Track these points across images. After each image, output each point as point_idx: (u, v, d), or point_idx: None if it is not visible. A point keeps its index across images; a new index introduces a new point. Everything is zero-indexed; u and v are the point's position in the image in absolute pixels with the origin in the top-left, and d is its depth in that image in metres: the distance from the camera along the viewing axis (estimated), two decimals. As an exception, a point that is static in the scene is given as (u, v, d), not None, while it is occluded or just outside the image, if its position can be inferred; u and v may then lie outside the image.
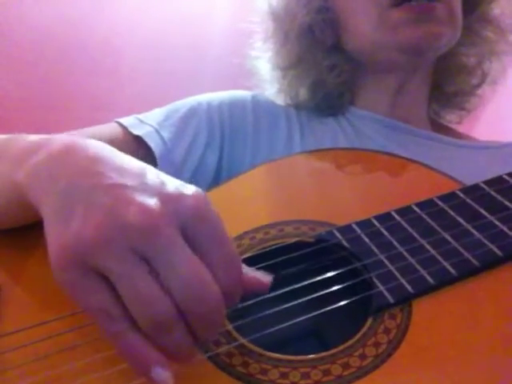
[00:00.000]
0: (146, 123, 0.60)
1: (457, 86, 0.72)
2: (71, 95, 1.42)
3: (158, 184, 0.30)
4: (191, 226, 0.29)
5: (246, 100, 0.66)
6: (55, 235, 0.29)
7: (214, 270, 0.29)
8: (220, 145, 0.62)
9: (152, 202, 0.29)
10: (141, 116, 0.62)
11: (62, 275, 0.28)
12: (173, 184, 0.31)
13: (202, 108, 0.63)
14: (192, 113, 0.63)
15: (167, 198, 0.29)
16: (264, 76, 0.74)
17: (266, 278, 0.33)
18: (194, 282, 0.28)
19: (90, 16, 1.40)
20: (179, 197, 0.30)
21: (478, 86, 0.72)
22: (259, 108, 0.65)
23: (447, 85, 0.71)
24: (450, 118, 0.76)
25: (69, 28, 1.40)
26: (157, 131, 0.59)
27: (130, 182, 0.30)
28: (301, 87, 0.68)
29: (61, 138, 0.36)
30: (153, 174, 0.32)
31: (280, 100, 0.72)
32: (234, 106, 0.65)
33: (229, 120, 0.63)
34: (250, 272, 0.33)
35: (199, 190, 0.31)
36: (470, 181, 0.45)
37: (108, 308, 0.28)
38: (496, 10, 0.66)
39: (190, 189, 0.31)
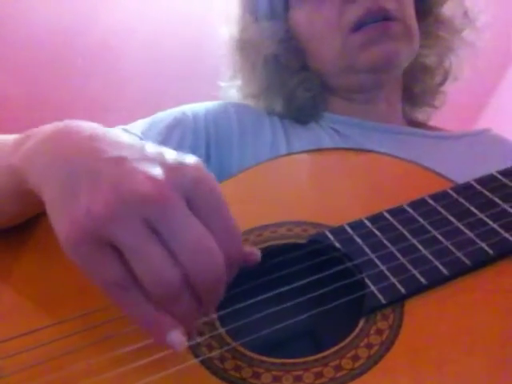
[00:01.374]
0: (131, 132, 0.61)
1: (423, 86, 0.75)
2: (70, 96, 1.42)
3: (158, 155, 0.31)
4: (194, 195, 0.30)
5: (231, 108, 0.67)
6: (63, 214, 0.30)
7: (216, 238, 0.29)
8: (206, 152, 0.62)
9: (156, 171, 0.29)
10: (126, 126, 0.63)
11: (75, 252, 0.29)
12: (172, 154, 0.31)
13: (187, 118, 0.64)
14: (176, 122, 0.63)
15: (169, 168, 0.30)
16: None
17: (255, 250, 0.35)
18: (202, 249, 0.28)
19: (89, 17, 1.40)
20: (181, 166, 0.30)
21: (442, 83, 0.76)
22: (243, 115, 0.67)
23: (414, 86, 0.75)
24: (420, 116, 0.80)
25: (68, 29, 1.40)
26: (141, 140, 0.59)
27: (130, 154, 0.30)
28: (275, 104, 0.70)
29: (52, 124, 0.37)
30: (151, 147, 0.32)
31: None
32: (219, 116, 0.65)
33: (214, 129, 0.64)
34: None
35: (199, 160, 0.31)
36: (453, 170, 0.46)
37: (121, 280, 0.28)
38: (447, 12, 0.71)
39: (190, 158, 0.31)
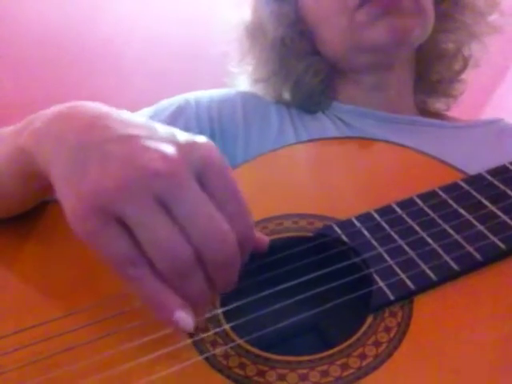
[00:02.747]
0: None
1: (440, 74, 0.71)
2: (71, 95, 1.41)
3: (170, 134, 0.30)
4: (205, 173, 0.29)
5: (236, 96, 0.66)
6: (71, 188, 0.29)
7: (227, 216, 0.29)
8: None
9: (168, 148, 0.28)
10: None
11: (82, 225, 0.28)
12: (184, 134, 0.31)
13: (191, 106, 0.63)
14: (180, 111, 0.63)
15: (181, 146, 0.29)
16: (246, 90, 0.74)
17: (263, 236, 0.36)
18: (213, 228, 0.28)
19: (90, 16, 1.40)
20: (193, 145, 0.30)
21: (461, 71, 0.71)
22: (249, 103, 0.66)
23: (430, 73, 0.71)
24: (438, 107, 0.76)
25: (69, 28, 1.39)
26: None
27: (141, 132, 0.30)
28: (283, 90, 0.69)
29: (59, 105, 0.36)
30: (162, 126, 0.31)
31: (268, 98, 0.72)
32: (223, 104, 0.64)
33: (218, 118, 0.63)
34: None
35: (209, 140, 0.31)
36: (466, 160, 0.45)
37: (129, 254, 0.28)
38: None
39: (201, 138, 0.31)
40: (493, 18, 0.66)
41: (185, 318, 0.28)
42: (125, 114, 0.32)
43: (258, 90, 0.72)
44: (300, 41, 0.66)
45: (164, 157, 0.28)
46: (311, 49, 0.66)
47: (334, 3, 0.60)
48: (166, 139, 0.30)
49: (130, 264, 0.28)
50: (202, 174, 0.29)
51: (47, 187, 0.33)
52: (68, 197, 0.29)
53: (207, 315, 0.36)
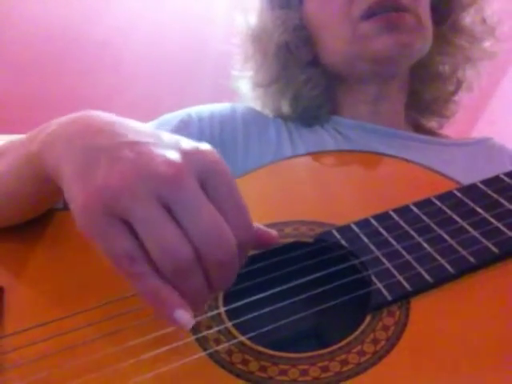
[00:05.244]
0: None
1: (434, 94, 0.74)
2: (70, 96, 1.43)
3: (175, 141, 0.32)
4: (208, 179, 0.31)
5: (236, 111, 0.68)
6: (80, 186, 0.30)
7: (228, 220, 0.30)
8: None
9: (173, 155, 0.30)
10: None
11: (89, 223, 0.29)
12: (188, 141, 0.33)
13: (193, 121, 0.65)
14: (182, 125, 0.64)
15: (186, 153, 0.31)
16: (246, 95, 0.76)
17: (273, 231, 0.36)
18: (214, 230, 0.29)
19: (90, 17, 1.41)
20: (197, 151, 0.32)
21: (454, 92, 0.74)
22: (249, 119, 0.67)
23: (424, 92, 0.74)
24: (430, 126, 0.78)
25: (68, 28, 1.41)
26: None
27: (149, 139, 0.32)
28: (282, 102, 0.71)
29: (70, 114, 0.38)
30: (167, 134, 0.33)
31: (266, 113, 0.74)
32: (224, 118, 0.66)
33: (219, 133, 0.64)
34: (259, 225, 0.36)
35: (213, 147, 0.33)
36: (455, 177, 0.46)
37: (132, 252, 0.29)
38: (467, 19, 0.69)
39: (205, 145, 0.32)
40: (487, 44, 0.69)
41: (184, 315, 0.30)
42: (134, 123, 0.34)
43: (258, 97, 0.73)
44: (303, 47, 0.67)
45: (169, 162, 0.30)
46: (312, 58, 0.68)
47: (337, 11, 0.62)
48: (172, 146, 0.31)
49: (132, 261, 0.29)
50: (205, 179, 0.31)
51: (57, 191, 0.35)
52: (76, 194, 0.31)
53: (208, 313, 0.37)
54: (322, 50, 0.67)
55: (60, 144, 0.35)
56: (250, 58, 0.72)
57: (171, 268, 0.29)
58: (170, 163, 0.29)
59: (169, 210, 0.29)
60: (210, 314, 0.37)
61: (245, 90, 0.75)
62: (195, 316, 0.31)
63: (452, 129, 0.78)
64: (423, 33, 0.62)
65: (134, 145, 0.31)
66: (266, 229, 0.36)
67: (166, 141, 0.32)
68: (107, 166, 0.30)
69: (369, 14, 0.59)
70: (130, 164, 0.29)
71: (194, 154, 0.31)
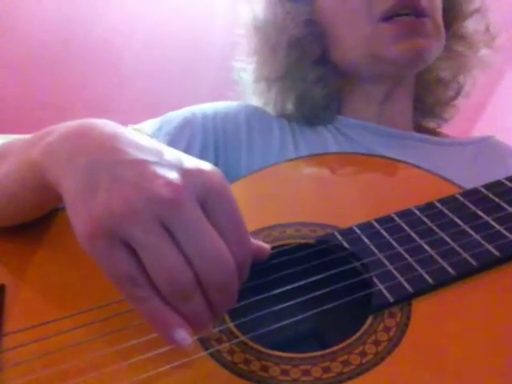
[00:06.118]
0: (142, 132, 0.61)
1: (435, 98, 0.75)
2: (70, 96, 1.43)
3: (177, 160, 0.32)
4: (208, 200, 0.31)
5: (240, 111, 0.67)
6: (82, 207, 0.30)
7: (228, 242, 0.30)
8: (214, 153, 0.63)
9: (175, 176, 0.30)
10: (136, 126, 0.63)
11: (90, 245, 0.29)
12: (190, 160, 0.32)
13: (197, 119, 0.65)
14: (186, 122, 0.64)
15: (187, 173, 0.31)
16: (248, 88, 0.75)
17: (265, 245, 0.37)
18: (214, 253, 0.29)
19: (90, 17, 1.41)
20: (198, 172, 0.31)
21: (454, 97, 0.75)
22: (252, 118, 0.67)
23: (427, 96, 0.75)
24: (431, 125, 0.79)
25: (68, 29, 1.41)
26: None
27: (150, 157, 0.31)
28: (287, 100, 0.70)
29: (72, 121, 0.38)
30: (170, 151, 0.33)
31: (269, 111, 0.73)
32: (227, 119, 0.66)
33: (223, 132, 0.64)
34: (253, 241, 0.35)
35: (215, 167, 0.33)
36: (459, 177, 0.47)
37: (133, 275, 0.29)
38: (470, 28, 0.70)
39: (207, 165, 0.32)
40: (485, 52, 0.70)
41: (184, 336, 0.30)
42: (135, 137, 0.34)
43: (261, 93, 0.72)
44: (314, 42, 0.66)
45: (169, 183, 0.29)
46: (323, 54, 0.67)
47: (355, 9, 0.61)
48: (173, 165, 0.31)
49: (133, 284, 0.30)
50: (206, 199, 0.31)
51: (58, 198, 0.35)
52: (78, 215, 0.31)
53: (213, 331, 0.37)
54: (336, 46, 0.66)
55: (61, 157, 0.35)
56: (255, 51, 0.71)
57: (171, 290, 0.29)
58: (170, 184, 0.29)
59: (170, 233, 0.29)
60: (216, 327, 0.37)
61: (247, 82, 0.74)
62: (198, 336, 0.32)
63: (452, 129, 0.79)
64: (440, 37, 0.62)
65: (134, 164, 0.31)
66: (259, 244, 0.36)
67: (167, 159, 0.32)
68: (108, 188, 0.30)
69: (389, 15, 0.59)
70: (131, 186, 0.29)
71: (195, 174, 0.31)
